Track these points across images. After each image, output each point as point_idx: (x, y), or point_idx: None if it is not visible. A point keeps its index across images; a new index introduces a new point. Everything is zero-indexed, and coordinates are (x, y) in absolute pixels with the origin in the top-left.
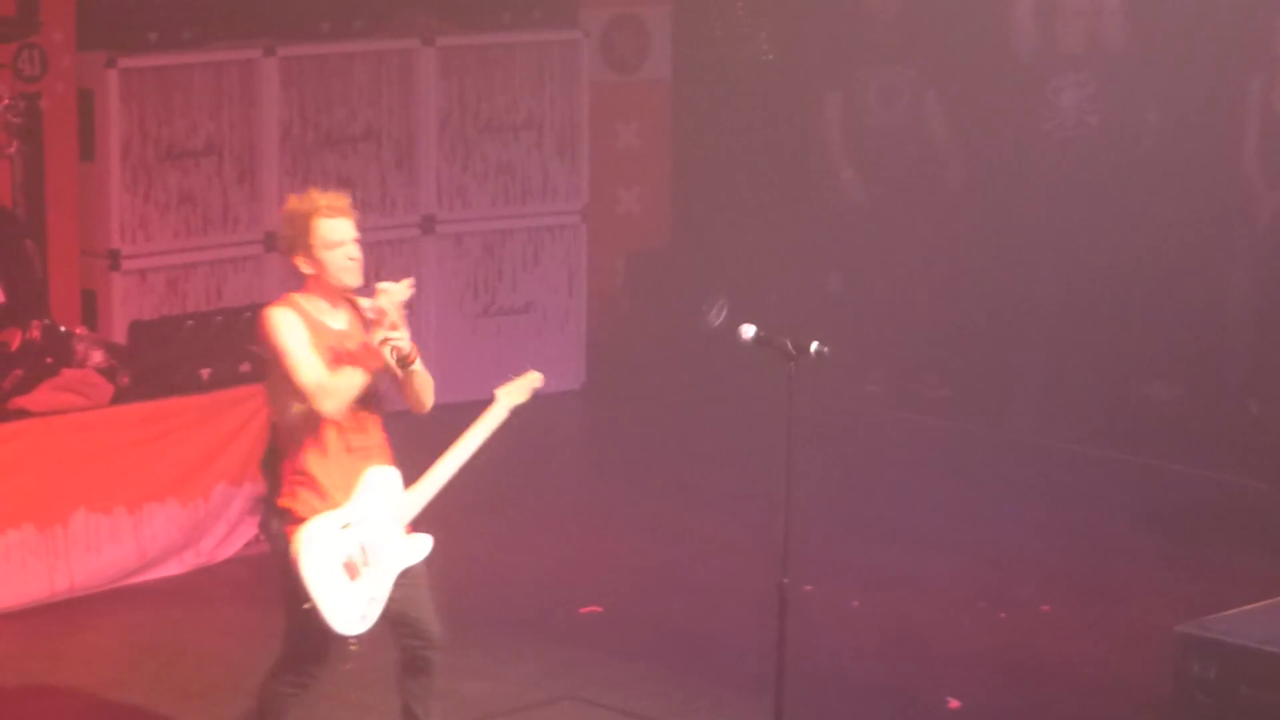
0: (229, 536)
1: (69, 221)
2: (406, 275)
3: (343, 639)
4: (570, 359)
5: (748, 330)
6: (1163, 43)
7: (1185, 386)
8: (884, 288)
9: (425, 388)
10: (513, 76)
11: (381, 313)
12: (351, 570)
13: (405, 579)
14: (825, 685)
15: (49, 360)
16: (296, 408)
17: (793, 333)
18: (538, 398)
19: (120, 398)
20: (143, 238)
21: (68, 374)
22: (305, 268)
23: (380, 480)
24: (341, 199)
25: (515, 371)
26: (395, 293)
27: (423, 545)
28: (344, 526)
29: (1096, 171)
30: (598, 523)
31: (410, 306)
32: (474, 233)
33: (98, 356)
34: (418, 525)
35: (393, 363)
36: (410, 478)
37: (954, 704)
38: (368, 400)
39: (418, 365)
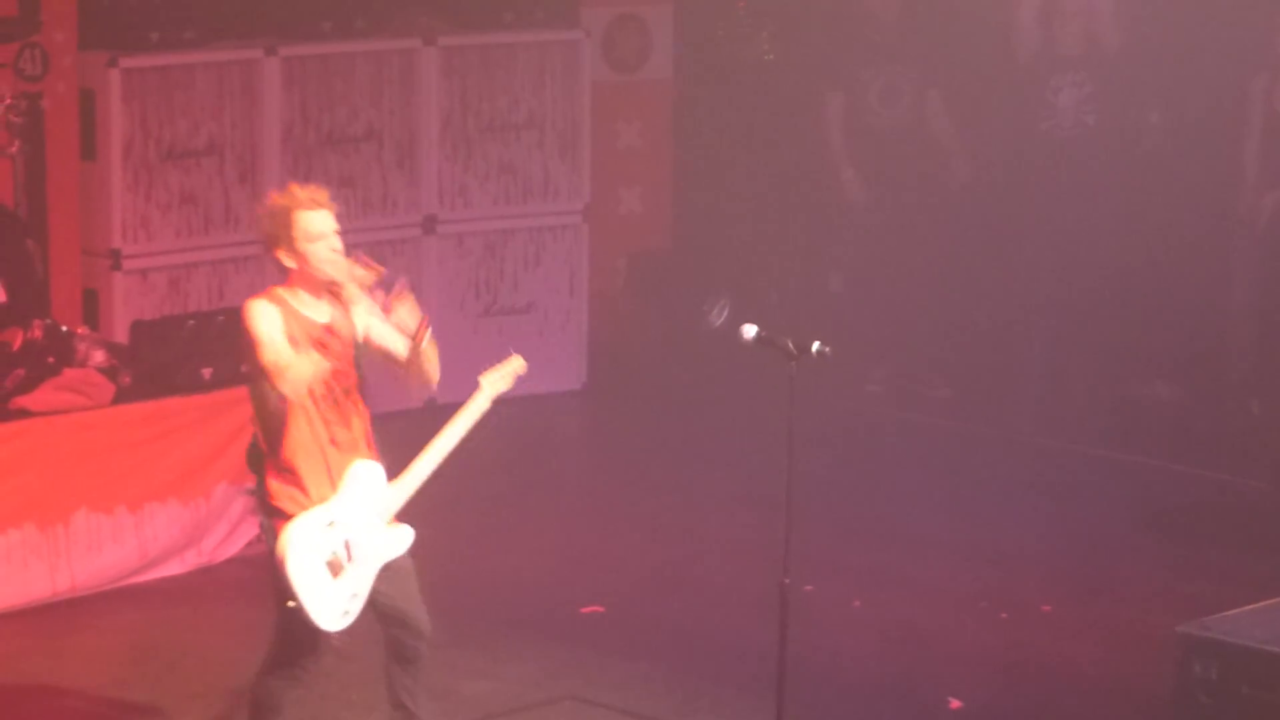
0: (230, 536)
1: (70, 221)
2: (408, 275)
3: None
4: (571, 359)
5: (749, 330)
6: (1164, 43)
7: (1186, 386)
8: (884, 287)
9: (431, 361)
10: (514, 76)
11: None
12: (335, 568)
13: (390, 571)
14: (826, 685)
15: (50, 360)
16: (274, 398)
17: (794, 333)
18: (538, 398)
19: (122, 397)
20: (144, 237)
21: (69, 374)
22: (288, 261)
23: (364, 474)
24: (321, 192)
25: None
26: (363, 276)
27: (404, 537)
28: (329, 525)
29: (1097, 172)
30: (598, 523)
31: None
32: (475, 233)
33: (99, 356)
34: (411, 522)
35: (353, 290)
36: (398, 475)
37: (955, 704)
38: (350, 392)
39: (426, 342)
